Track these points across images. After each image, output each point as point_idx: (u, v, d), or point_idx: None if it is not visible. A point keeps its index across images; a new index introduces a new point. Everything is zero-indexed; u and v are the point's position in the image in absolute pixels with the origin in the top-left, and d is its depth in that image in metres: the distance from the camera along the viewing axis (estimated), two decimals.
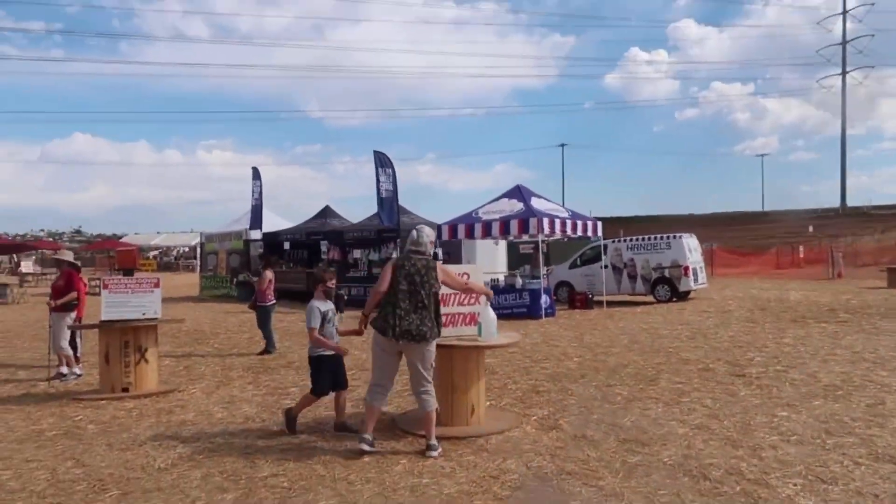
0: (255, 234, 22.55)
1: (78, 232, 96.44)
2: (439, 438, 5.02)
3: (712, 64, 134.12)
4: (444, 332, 5.75)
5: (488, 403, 6.19)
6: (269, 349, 10.17)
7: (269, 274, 10.33)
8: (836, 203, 70.82)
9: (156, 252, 62.53)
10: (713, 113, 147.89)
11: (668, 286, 17.87)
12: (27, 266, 40.67)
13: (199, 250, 26.55)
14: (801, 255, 34.19)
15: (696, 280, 17.91)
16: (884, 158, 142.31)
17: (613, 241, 18.98)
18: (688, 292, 18.20)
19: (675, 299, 17.78)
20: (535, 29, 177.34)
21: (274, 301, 10.45)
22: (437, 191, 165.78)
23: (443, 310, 5.81)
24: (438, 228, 16.77)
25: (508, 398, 6.74)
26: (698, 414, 5.97)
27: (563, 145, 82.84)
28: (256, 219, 21.94)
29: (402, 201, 21.25)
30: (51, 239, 76.13)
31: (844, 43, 71.10)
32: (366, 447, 4.95)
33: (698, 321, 13.33)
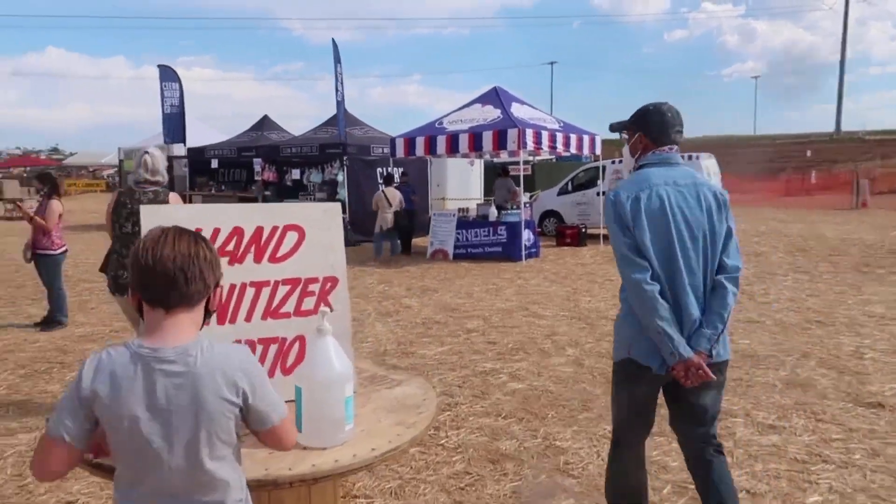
0: (179, 149, 18.58)
1: (55, 150, 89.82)
2: None
3: None
4: None
5: None
6: (58, 318, 6.53)
7: (57, 206, 6.44)
8: (828, 128, 66.57)
9: (111, 171, 57.58)
10: (702, 34, 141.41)
11: None
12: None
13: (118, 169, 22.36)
14: (813, 182, 30.74)
15: None
16: (871, 84, 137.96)
17: (613, 163, 15.27)
18: None
19: None
20: None
21: (65, 247, 6.67)
22: (427, 112, 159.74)
23: (244, 328, 2.23)
24: (392, 142, 12.96)
25: (428, 487, 3.22)
26: None
27: (552, 63, 77.90)
28: (174, 130, 17.89)
29: (390, 125, 17.44)
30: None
31: None
32: None
33: None
